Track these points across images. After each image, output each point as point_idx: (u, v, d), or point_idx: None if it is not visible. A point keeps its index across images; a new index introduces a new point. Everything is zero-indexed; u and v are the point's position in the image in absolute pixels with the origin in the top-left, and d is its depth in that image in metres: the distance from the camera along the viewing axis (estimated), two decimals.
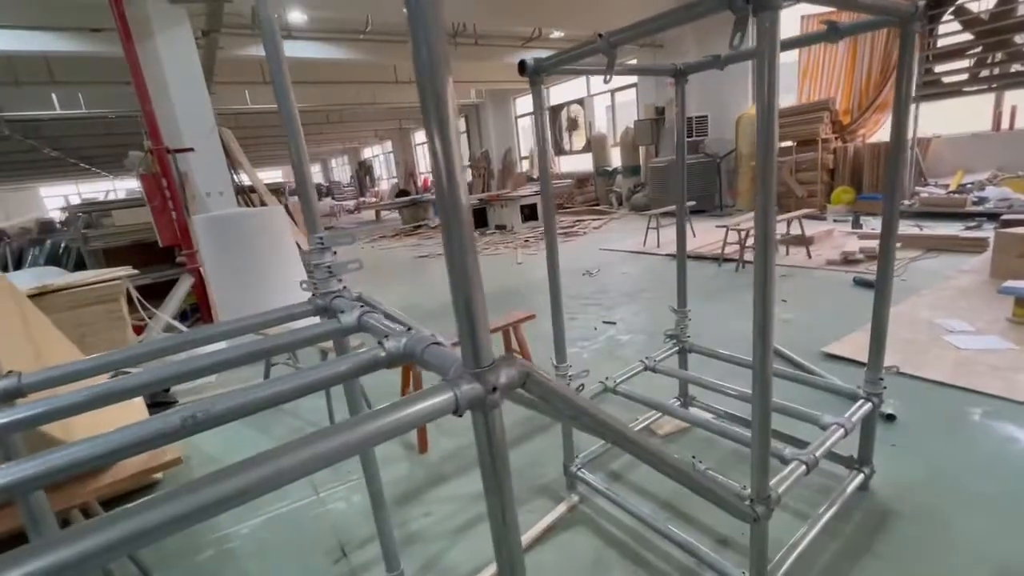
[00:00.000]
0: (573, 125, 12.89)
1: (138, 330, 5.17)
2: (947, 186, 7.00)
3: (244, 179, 6.51)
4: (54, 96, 9.53)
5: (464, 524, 2.01)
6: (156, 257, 6.01)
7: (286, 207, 6.78)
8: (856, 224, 6.43)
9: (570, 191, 12.32)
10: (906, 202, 6.96)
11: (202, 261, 4.34)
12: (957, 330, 3.19)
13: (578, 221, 10.12)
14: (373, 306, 1.48)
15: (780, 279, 4.83)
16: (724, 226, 5.31)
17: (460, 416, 0.74)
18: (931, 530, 1.71)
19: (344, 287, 1.45)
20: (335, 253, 1.44)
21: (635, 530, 1.86)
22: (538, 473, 2.25)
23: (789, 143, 8.25)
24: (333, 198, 24.58)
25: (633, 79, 11.16)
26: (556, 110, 13.29)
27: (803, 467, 1.49)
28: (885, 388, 1.81)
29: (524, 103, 15.07)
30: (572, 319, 4.37)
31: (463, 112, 16.77)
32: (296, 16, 7.35)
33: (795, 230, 5.49)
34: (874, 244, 4.95)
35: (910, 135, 7.29)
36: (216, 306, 4.36)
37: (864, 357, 2.79)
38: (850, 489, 1.82)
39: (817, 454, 1.53)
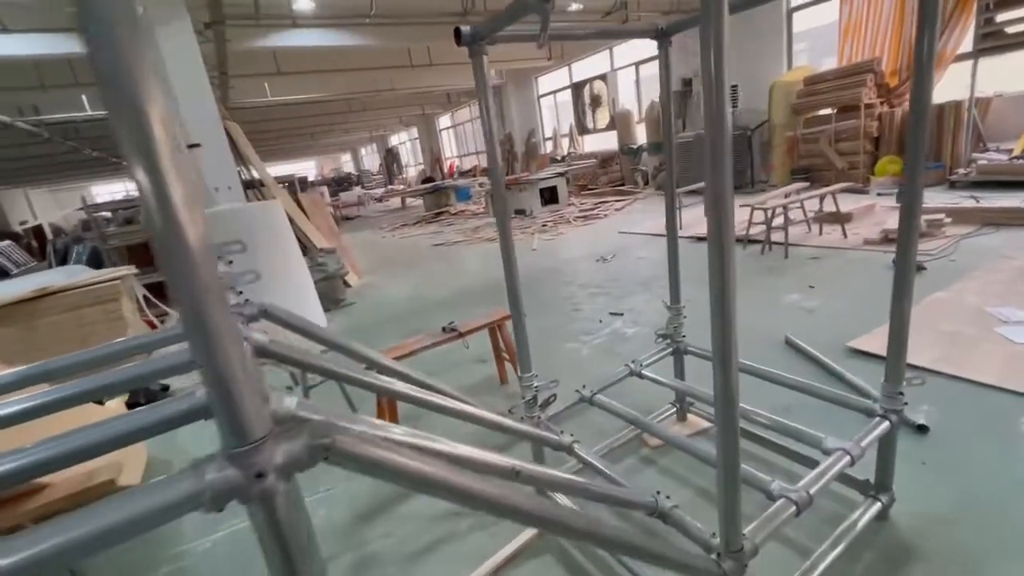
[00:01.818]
0: (596, 102, 12.35)
1: (153, 326, 5.26)
2: (1010, 151, 6.24)
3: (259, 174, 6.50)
4: (84, 97, 9.84)
5: (424, 547, 1.84)
6: None
7: (298, 202, 6.75)
8: (901, 197, 5.82)
9: (594, 171, 11.87)
10: (961, 171, 6.27)
11: None
12: (1012, 320, 2.76)
13: (600, 203, 9.74)
14: (283, 320, 1.31)
15: (808, 262, 4.41)
16: (748, 204, 4.89)
17: (220, 511, 0.54)
18: None
19: (246, 300, 1.27)
20: (231, 263, 1.26)
21: (605, 562, 1.64)
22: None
23: (828, 110, 7.58)
24: (363, 187, 24.80)
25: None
26: (579, 87, 12.77)
27: (792, 508, 1.23)
28: (906, 404, 1.51)
29: (546, 82, 14.59)
30: (576, 310, 4.12)
31: None
32: (303, 3, 7.22)
33: (830, 206, 5.01)
34: (921, 219, 4.44)
35: (967, 94, 6.54)
36: None
37: None
38: (863, 521, 1.53)
39: (812, 491, 1.26)
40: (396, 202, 17.06)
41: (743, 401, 2.02)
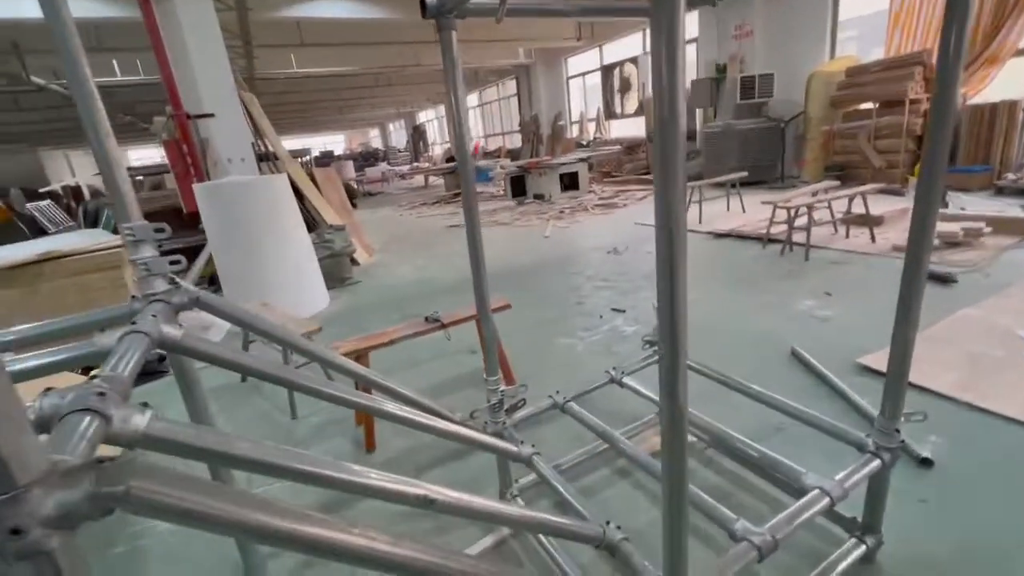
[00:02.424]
0: (626, 86, 11.95)
1: None
2: None
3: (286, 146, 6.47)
4: (115, 62, 9.96)
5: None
6: (187, 223, 6.12)
7: (311, 176, 6.71)
8: (941, 201, 5.44)
9: (618, 158, 11.54)
10: (1010, 176, 5.83)
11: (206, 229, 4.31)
12: None
13: (621, 191, 9.46)
14: (217, 310, 1.22)
15: (830, 266, 4.15)
16: (771, 202, 4.62)
17: None
18: None
19: (179, 286, 1.19)
20: (160, 247, 1.17)
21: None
22: (477, 493, 1.97)
23: (869, 104, 7.13)
24: (388, 163, 24.79)
25: (694, 32, 10.06)
26: (608, 69, 12.37)
27: (754, 552, 1.10)
28: (903, 442, 1.35)
29: (576, 63, 14.18)
30: (579, 303, 3.98)
31: (512, 73, 16.09)
32: None
33: (860, 208, 4.70)
34: (957, 227, 4.14)
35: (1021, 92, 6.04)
36: (221, 276, 4.35)
37: (914, 376, 2.25)
38: (844, 565, 1.39)
39: (779, 535, 1.13)
40: (420, 180, 16.99)
41: (732, 418, 1.88)
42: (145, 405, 0.67)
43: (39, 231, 10.09)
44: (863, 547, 1.42)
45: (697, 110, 10.14)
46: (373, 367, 3.07)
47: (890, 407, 1.33)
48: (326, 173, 6.97)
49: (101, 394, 0.64)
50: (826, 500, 1.22)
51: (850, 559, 1.40)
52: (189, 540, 1.91)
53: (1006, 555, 1.45)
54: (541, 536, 1.57)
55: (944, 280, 3.51)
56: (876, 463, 1.33)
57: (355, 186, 14.51)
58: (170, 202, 6.20)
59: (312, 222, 5.80)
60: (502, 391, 1.65)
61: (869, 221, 4.66)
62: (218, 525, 0.53)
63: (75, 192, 16.35)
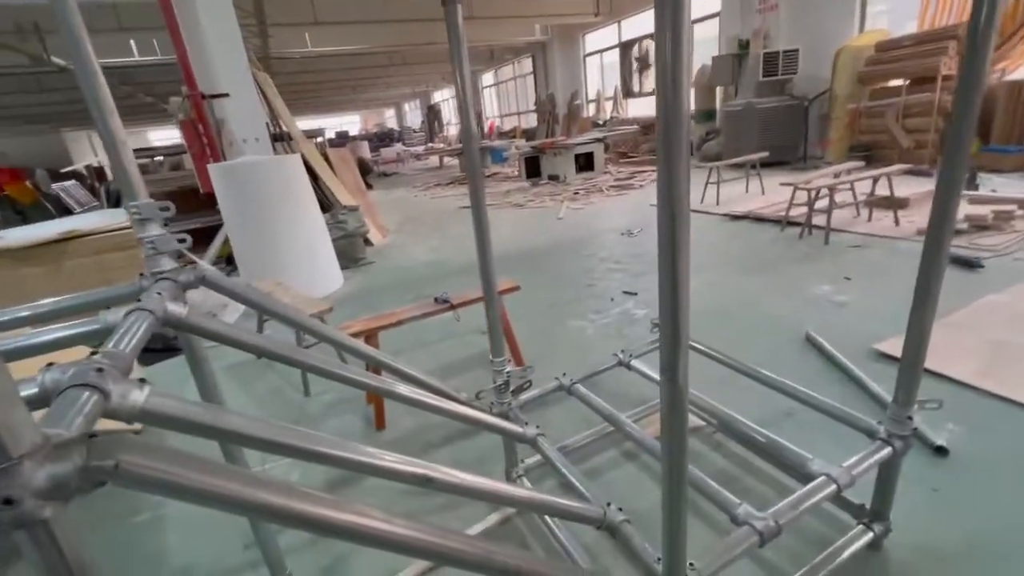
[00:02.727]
0: (644, 63, 11.65)
1: None
2: None
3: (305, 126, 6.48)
4: (132, 43, 10.02)
5: None
6: (204, 203, 6.19)
7: (326, 156, 6.72)
8: (971, 183, 5.24)
9: (635, 138, 11.32)
10: None
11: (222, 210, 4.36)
12: None
13: (637, 172, 9.30)
14: (223, 288, 1.24)
15: (850, 250, 4.05)
16: (790, 184, 4.50)
17: None
18: None
19: (185, 265, 1.20)
20: (166, 225, 1.18)
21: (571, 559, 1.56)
22: (482, 472, 1.99)
23: (899, 81, 6.85)
24: (403, 144, 24.71)
25: (716, 6, 9.72)
26: (627, 46, 12.06)
27: (755, 537, 1.10)
28: (915, 429, 1.31)
29: (594, 40, 13.85)
30: (591, 285, 3.95)
31: (528, 51, 15.79)
32: None
33: (884, 190, 4.55)
34: (987, 210, 3.99)
35: None
36: (236, 255, 4.41)
37: (933, 363, 2.21)
38: (850, 551, 1.38)
39: (782, 521, 1.12)
40: (435, 160, 16.92)
41: (743, 403, 1.86)
42: (143, 381, 0.68)
43: (64, 211, 10.33)
44: (870, 534, 1.41)
45: (717, 88, 9.86)
46: (385, 347, 3.11)
47: (903, 394, 1.29)
48: (340, 154, 6.97)
49: (100, 370, 0.65)
50: (832, 487, 1.20)
51: (856, 545, 1.39)
52: (209, 510, 1.98)
53: (1015, 548, 1.42)
54: (546, 516, 1.59)
55: (970, 264, 3.39)
56: (887, 451, 1.31)
57: (369, 160, 14.43)
58: (188, 182, 6.27)
59: (326, 203, 5.82)
60: (508, 372, 1.65)
61: (893, 203, 4.51)
62: (209, 500, 0.53)
63: (98, 172, 16.65)
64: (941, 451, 1.78)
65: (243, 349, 1.08)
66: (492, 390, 1.67)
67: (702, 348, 1.95)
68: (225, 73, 5.41)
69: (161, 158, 11.79)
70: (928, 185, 5.40)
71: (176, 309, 1.02)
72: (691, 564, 1.02)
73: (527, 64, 16.93)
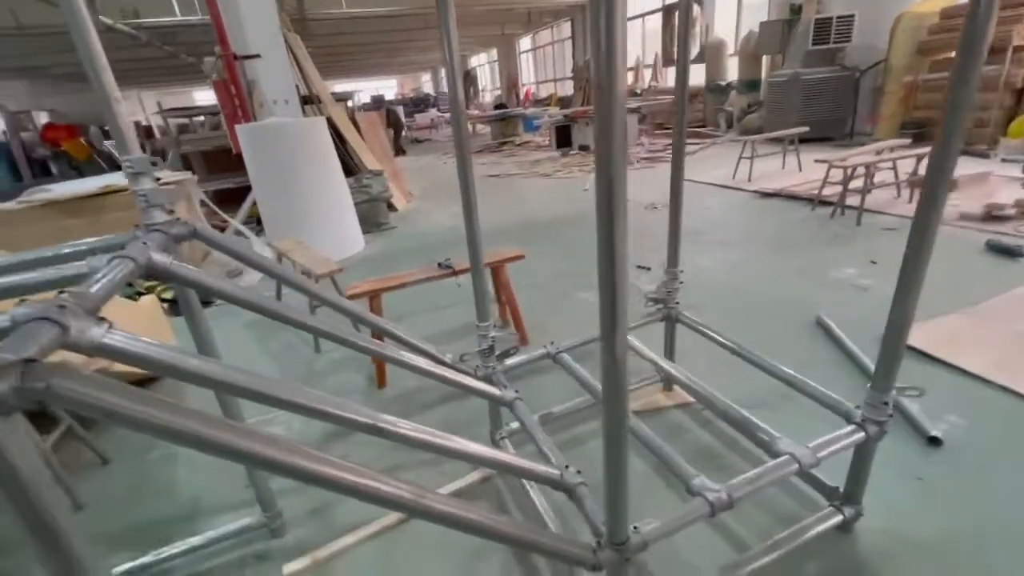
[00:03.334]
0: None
1: (218, 230, 5.67)
2: None
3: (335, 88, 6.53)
4: (174, 2, 10.20)
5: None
6: (237, 163, 6.37)
7: (354, 120, 6.77)
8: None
9: (671, 109, 10.86)
10: None
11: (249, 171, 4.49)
12: None
13: (670, 145, 8.98)
14: (214, 242, 1.30)
15: (883, 233, 3.86)
16: (825, 160, 4.28)
17: None
18: None
19: (177, 217, 1.27)
20: (158, 180, 1.25)
21: (540, 519, 1.62)
22: (469, 433, 2.06)
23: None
24: (439, 110, 24.52)
25: None
26: (670, 10, 11.48)
27: (707, 508, 1.11)
28: (891, 416, 1.28)
29: (635, 3, 13.22)
30: None
31: (568, 15, 15.25)
32: None
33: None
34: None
35: None
36: (262, 215, 4.56)
37: (948, 353, 2.12)
38: (816, 531, 1.38)
39: (737, 494, 1.13)
40: (468, 127, 16.73)
41: (739, 382, 1.85)
42: (102, 319, 0.74)
43: (116, 167, 10.78)
44: (839, 516, 1.40)
45: (764, 58, 9.33)
46: (397, 310, 3.21)
47: (881, 379, 1.26)
48: (369, 118, 7.00)
49: (62, 307, 0.71)
50: (794, 466, 1.20)
51: (823, 526, 1.39)
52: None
53: (986, 544, 1.39)
54: (523, 480, 1.65)
55: (1012, 253, 3.19)
56: (859, 435, 1.29)
57: (402, 121, 14.32)
58: (224, 142, 6.45)
59: (352, 166, 5.91)
60: (492, 337, 1.69)
61: None
62: (134, 424, 0.59)
63: (147, 131, 17.31)
64: (935, 441, 1.73)
65: (227, 300, 1.15)
66: (477, 354, 1.71)
67: (693, 322, 1.93)
68: (257, 34, 5.48)
69: (203, 118, 12.13)
70: (981, 166, 5.04)
71: (160, 259, 1.08)
72: (635, 527, 1.05)
73: (566, 29, 16.37)
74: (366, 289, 2.41)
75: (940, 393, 2.00)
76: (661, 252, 3.92)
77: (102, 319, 0.75)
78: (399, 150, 12.88)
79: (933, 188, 1.09)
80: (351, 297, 2.46)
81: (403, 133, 14.04)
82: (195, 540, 1.57)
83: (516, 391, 1.58)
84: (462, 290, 3.36)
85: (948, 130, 1.03)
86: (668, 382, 2.16)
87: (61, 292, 0.78)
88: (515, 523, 0.98)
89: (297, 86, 5.99)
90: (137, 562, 1.51)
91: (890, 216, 4.19)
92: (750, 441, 1.71)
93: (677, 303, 2.01)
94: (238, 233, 5.42)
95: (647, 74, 12.67)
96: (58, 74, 16.20)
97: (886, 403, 1.27)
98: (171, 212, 1.28)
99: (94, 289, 0.84)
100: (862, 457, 1.35)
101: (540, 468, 1.18)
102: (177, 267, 1.10)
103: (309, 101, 6.33)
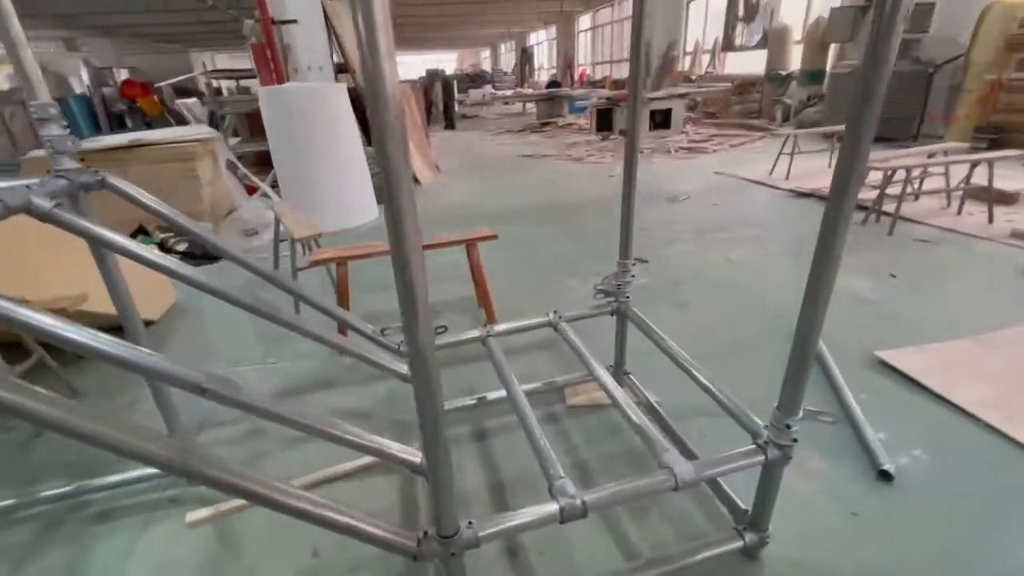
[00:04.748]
0: (752, 13, 10.37)
1: (251, 190, 5.91)
2: None
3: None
4: None
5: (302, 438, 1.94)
6: None
7: None
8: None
9: (726, 97, 10.29)
10: None
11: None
12: None
13: (716, 135, 8.52)
14: (124, 193, 1.33)
15: (915, 244, 3.51)
16: (874, 164, 3.90)
17: None
18: None
19: (87, 168, 1.30)
20: (67, 127, 1.27)
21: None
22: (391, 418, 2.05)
23: None
24: (494, 86, 24.30)
25: None
26: None
27: (557, 513, 1.05)
28: (796, 441, 1.16)
29: None
30: (608, 245, 3.78)
31: None
32: None
33: (984, 179, 3.83)
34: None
35: None
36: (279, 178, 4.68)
37: (939, 382, 1.92)
38: (711, 552, 1.28)
39: (590, 500, 1.06)
40: (520, 106, 16.55)
41: (678, 381, 1.74)
42: None
43: (183, 122, 11.36)
44: (740, 542, 1.29)
45: (832, 46, 8.61)
46: (375, 281, 3.22)
47: (787, 401, 1.14)
48: (402, 89, 7.00)
49: None
50: (670, 482, 1.10)
51: (720, 549, 1.29)
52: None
53: None
54: None
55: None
56: (759, 457, 1.17)
57: (438, 99, 14.18)
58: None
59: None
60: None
61: (991, 196, 3.79)
62: None
63: (216, 92, 18.21)
64: (885, 476, 1.56)
65: (119, 253, 1.16)
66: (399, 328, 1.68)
67: (642, 323, 1.82)
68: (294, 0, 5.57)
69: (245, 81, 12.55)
70: None
71: (41, 203, 1.11)
72: (470, 523, 1.00)
73: (628, 8, 15.71)
74: (332, 256, 2.42)
75: (914, 425, 1.81)
76: (668, 247, 3.77)
77: None
78: (449, 124, 12.88)
79: (837, 202, 0.95)
80: (315, 262, 2.50)
81: (454, 108, 13.98)
82: (115, 478, 1.65)
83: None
84: (445, 268, 3.35)
85: (852, 132, 0.89)
86: (619, 379, 2.06)
87: None
88: (337, 508, 0.95)
89: (333, 55, 6.07)
90: (59, 491, 1.61)
91: (929, 227, 3.79)
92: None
93: (627, 297, 1.90)
94: (265, 195, 5.62)
95: (705, 60, 12.01)
96: (141, 34, 17.16)
97: (789, 426, 1.14)
98: (81, 161, 1.31)
99: None
100: (768, 481, 1.23)
101: (398, 450, 1.15)
102: (57, 214, 1.13)
103: (343, 70, 6.41)
